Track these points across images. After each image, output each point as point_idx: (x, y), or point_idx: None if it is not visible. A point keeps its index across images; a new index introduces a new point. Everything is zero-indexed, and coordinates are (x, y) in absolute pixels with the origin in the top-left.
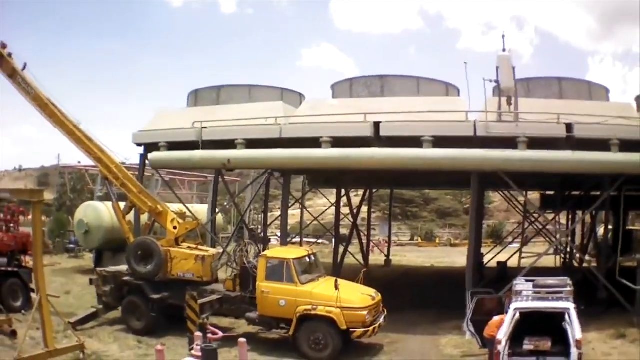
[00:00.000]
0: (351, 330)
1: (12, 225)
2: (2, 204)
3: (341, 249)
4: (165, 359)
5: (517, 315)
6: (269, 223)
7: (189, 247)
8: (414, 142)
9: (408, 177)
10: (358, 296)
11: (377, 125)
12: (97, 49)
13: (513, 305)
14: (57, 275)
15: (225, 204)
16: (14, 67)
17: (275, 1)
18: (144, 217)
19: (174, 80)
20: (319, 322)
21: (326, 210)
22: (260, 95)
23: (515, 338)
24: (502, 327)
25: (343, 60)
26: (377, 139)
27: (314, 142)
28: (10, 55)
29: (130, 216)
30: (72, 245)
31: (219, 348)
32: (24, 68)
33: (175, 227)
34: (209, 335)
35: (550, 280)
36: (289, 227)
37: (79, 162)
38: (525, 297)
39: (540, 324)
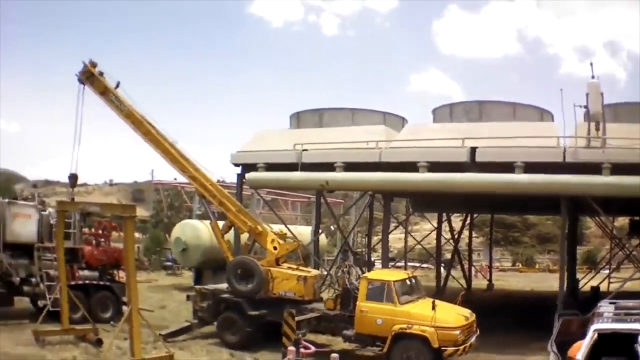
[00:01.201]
0: (442, 348)
1: (102, 240)
2: (92, 218)
3: (444, 273)
4: None
5: (596, 336)
6: (373, 246)
7: (289, 268)
8: (507, 167)
9: (505, 201)
10: (452, 316)
11: (473, 150)
12: (196, 67)
13: (593, 327)
14: (154, 291)
15: (331, 226)
16: (106, 85)
17: (377, 23)
18: (244, 237)
19: (271, 100)
20: (412, 340)
21: (429, 234)
22: (363, 119)
23: (594, 358)
24: (581, 347)
25: (449, 85)
26: (472, 164)
27: (413, 167)
28: (101, 74)
29: (230, 235)
30: (168, 263)
31: None
32: (117, 86)
33: (275, 248)
34: (302, 350)
35: (631, 303)
36: (395, 251)
37: (175, 179)
38: (606, 319)
39: (619, 346)
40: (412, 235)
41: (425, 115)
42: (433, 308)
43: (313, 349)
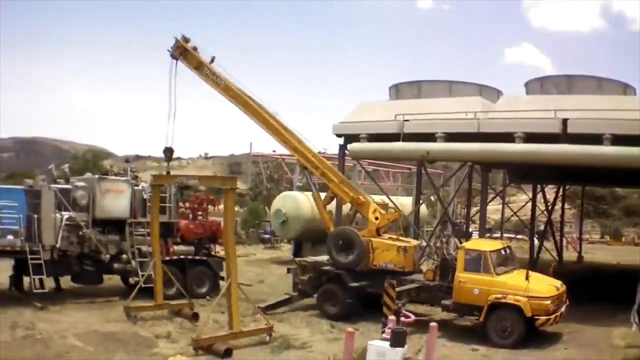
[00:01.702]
0: (535, 317)
1: (200, 213)
2: (189, 192)
3: (537, 245)
4: (354, 341)
5: None
6: (471, 217)
7: (389, 238)
8: (596, 139)
9: (595, 173)
10: (544, 287)
11: (565, 122)
12: (294, 42)
13: None
14: (252, 265)
15: (431, 197)
16: (200, 59)
17: None
18: (345, 208)
19: (369, 72)
20: (507, 310)
21: (524, 205)
22: (460, 91)
23: None
24: None
25: (540, 58)
26: (564, 135)
27: (509, 137)
28: (195, 48)
29: (331, 206)
30: (267, 236)
31: (412, 333)
32: (212, 61)
33: (376, 218)
34: (402, 319)
35: None
36: (492, 222)
37: (274, 151)
38: None
39: None
40: (508, 206)
41: (519, 88)
42: (527, 278)
43: (413, 317)
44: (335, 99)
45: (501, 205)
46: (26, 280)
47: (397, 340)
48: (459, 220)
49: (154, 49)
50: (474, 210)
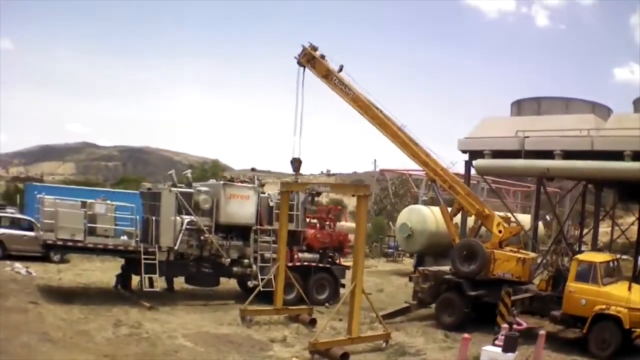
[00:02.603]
0: (632, 330)
1: (328, 223)
2: (317, 203)
3: None
4: (469, 347)
5: None
6: (583, 235)
7: (510, 250)
8: None
9: None
10: None
11: None
12: (413, 57)
13: None
14: (372, 275)
15: (547, 217)
16: (328, 68)
17: (583, 16)
18: (469, 222)
19: (488, 88)
20: (608, 321)
21: (631, 224)
22: (575, 108)
23: None
24: None
25: None
26: None
27: (619, 155)
28: (323, 57)
29: (456, 219)
30: (390, 250)
31: (520, 344)
32: (340, 70)
33: (500, 231)
34: (515, 326)
35: None
36: (600, 244)
37: (395, 170)
38: None
39: None
40: (617, 225)
41: (627, 107)
42: (629, 289)
43: (525, 324)
44: (453, 114)
45: (610, 228)
46: (135, 280)
47: (509, 345)
48: (571, 241)
49: (270, 60)
50: (585, 230)
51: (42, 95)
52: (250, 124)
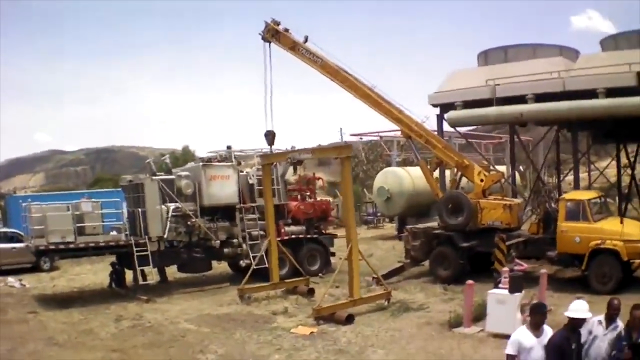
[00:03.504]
0: (631, 261)
1: (307, 193)
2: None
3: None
4: (473, 291)
5: None
6: (561, 181)
7: (495, 199)
8: None
9: None
10: (639, 231)
11: (639, 75)
12: (373, 23)
13: None
14: (358, 243)
15: (521, 167)
16: (294, 40)
17: None
18: (448, 176)
19: (449, 46)
20: (605, 255)
21: (609, 163)
22: (542, 53)
23: None
24: None
25: (605, 24)
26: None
27: (592, 94)
28: (286, 30)
29: (435, 174)
30: (370, 217)
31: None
32: (306, 41)
33: (482, 180)
34: (515, 268)
35: None
36: (580, 188)
37: (361, 138)
38: None
39: None
40: (595, 166)
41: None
42: (621, 222)
43: (526, 265)
44: (419, 74)
45: (586, 174)
46: (128, 277)
47: (516, 285)
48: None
49: (227, 45)
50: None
51: (5, 107)
52: (216, 111)
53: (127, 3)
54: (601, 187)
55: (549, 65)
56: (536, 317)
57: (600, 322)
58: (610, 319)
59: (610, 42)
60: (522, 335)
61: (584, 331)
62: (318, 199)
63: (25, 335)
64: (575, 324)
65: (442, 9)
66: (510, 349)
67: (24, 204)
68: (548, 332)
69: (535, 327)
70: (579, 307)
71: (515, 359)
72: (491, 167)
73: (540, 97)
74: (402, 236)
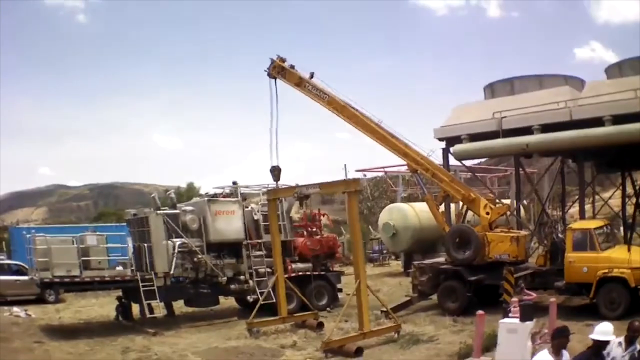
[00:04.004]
0: (639, 288)
1: (314, 229)
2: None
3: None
4: (484, 322)
5: None
6: (566, 210)
7: (501, 231)
8: None
9: None
10: None
11: None
12: (373, 64)
13: None
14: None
15: (524, 201)
16: (300, 76)
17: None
18: (453, 209)
19: (450, 85)
20: (613, 283)
21: (614, 192)
22: (548, 83)
23: None
24: None
25: (606, 54)
26: None
27: (598, 123)
28: (292, 66)
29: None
30: (375, 255)
31: None
32: (312, 77)
33: (487, 213)
34: (524, 297)
35: None
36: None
37: (364, 175)
38: None
39: None
40: (600, 196)
41: None
42: (628, 251)
43: (534, 295)
44: (422, 113)
45: (590, 205)
46: (135, 310)
47: (527, 313)
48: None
49: (231, 84)
50: (569, 214)
51: (9, 143)
52: (218, 148)
53: (129, 42)
54: (605, 217)
55: (556, 95)
56: (559, 340)
57: (620, 343)
58: (630, 340)
59: (615, 70)
60: (545, 359)
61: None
62: (324, 235)
63: None
64: (600, 346)
65: (445, 45)
66: None
67: (28, 236)
68: (566, 356)
69: (557, 351)
70: (604, 330)
71: None
72: (497, 200)
73: (548, 128)
74: (409, 272)
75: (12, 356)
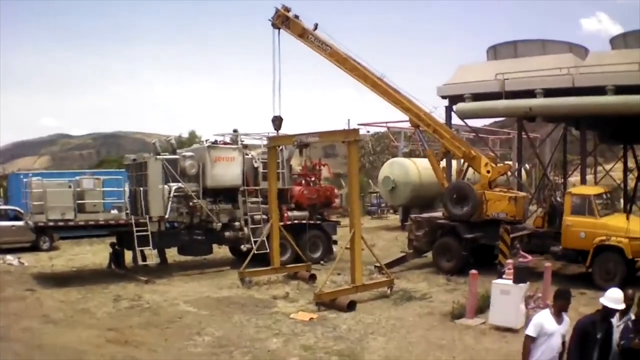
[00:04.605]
0: (635, 260)
1: (313, 179)
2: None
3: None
4: (477, 282)
5: None
6: (567, 178)
7: (500, 191)
8: None
9: None
10: None
11: None
12: (385, 18)
13: None
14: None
15: (527, 165)
16: (303, 26)
17: None
18: (454, 166)
19: (458, 41)
20: (610, 252)
21: (615, 163)
22: (552, 49)
23: None
24: None
25: (615, 28)
26: None
27: (601, 91)
28: (296, 17)
29: (442, 164)
30: (373, 207)
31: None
32: (315, 28)
33: (488, 171)
34: (520, 259)
35: None
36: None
37: (367, 131)
38: None
39: None
40: (602, 166)
41: None
42: (627, 219)
43: (530, 257)
44: (429, 69)
45: (592, 175)
46: (128, 258)
47: (520, 275)
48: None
49: (236, 32)
50: (570, 182)
51: (13, 93)
52: (222, 97)
53: None
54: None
55: (559, 61)
56: (560, 302)
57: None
58: (624, 310)
59: (620, 41)
60: (546, 319)
61: None
62: (323, 185)
63: (21, 312)
64: (608, 313)
65: (453, 5)
66: (531, 330)
67: (24, 180)
68: (567, 321)
69: (558, 313)
70: (616, 297)
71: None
72: (498, 161)
73: (549, 93)
74: (405, 225)
75: (3, 304)
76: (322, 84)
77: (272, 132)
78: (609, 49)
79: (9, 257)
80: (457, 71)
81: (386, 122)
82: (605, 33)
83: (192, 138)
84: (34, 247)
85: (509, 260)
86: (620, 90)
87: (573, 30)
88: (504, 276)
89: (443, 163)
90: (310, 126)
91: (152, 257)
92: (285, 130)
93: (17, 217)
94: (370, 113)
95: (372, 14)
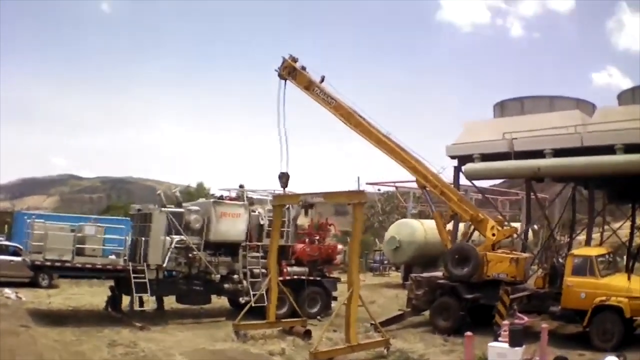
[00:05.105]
0: (634, 318)
1: (317, 237)
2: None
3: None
4: (473, 344)
5: None
6: (574, 237)
7: (502, 252)
8: None
9: None
10: None
11: None
12: (394, 75)
13: None
14: (362, 289)
15: (535, 226)
16: (310, 79)
17: (559, 24)
18: (460, 228)
19: (466, 100)
20: (608, 312)
21: (623, 223)
22: (559, 105)
23: None
24: None
25: (625, 81)
26: None
27: (610, 150)
28: (304, 68)
29: (448, 226)
30: (375, 264)
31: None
32: (322, 81)
33: (493, 234)
34: (516, 321)
35: None
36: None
37: (378, 190)
38: None
39: None
40: (610, 226)
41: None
42: (628, 278)
43: (526, 319)
44: (437, 126)
45: (599, 234)
46: (125, 302)
47: (516, 338)
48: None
49: (247, 85)
50: (577, 242)
51: (25, 131)
52: (232, 149)
53: (151, 36)
54: (611, 246)
55: (566, 118)
56: None
57: None
58: None
59: (628, 96)
60: None
61: None
62: (327, 243)
63: (13, 348)
64: None
65: (465, 61)
66: None
67: (28, 220)
68: None
69: None
70: None
71: None
72: (505, 223)
73: (558, 152)
74: (406, 284)
75: None
76: (333, 135)
77: (279, 189)
78: (616, 104)
79: (7, 291)
80: (464, 129)
81: (394, 182)
82: (615, 87)
83: (200, 190)
84: (33, 284)
85: (505, 322)
86: (629, 148)
87: (584, 84)
88: (499, 338)
89: (450, 225)
90: (320, 181)
91: (150, 303)
92: (293, 186)
93: (16, 253)
94: (383, 168)
95: (380, 71)
